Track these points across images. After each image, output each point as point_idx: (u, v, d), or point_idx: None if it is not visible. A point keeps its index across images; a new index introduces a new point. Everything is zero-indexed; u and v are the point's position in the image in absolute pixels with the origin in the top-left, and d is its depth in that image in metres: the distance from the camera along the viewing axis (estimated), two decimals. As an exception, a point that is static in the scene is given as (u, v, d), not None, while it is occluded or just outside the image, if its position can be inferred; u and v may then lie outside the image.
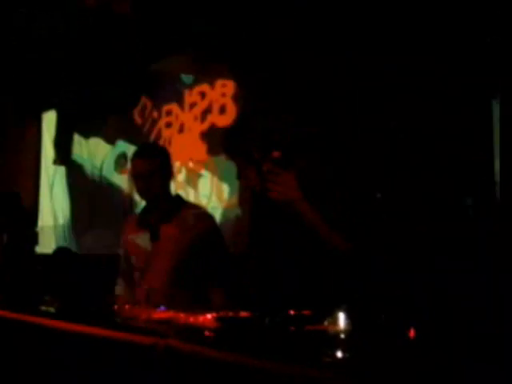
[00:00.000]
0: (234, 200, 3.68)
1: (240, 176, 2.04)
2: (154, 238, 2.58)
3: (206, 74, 3.80)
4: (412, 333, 1.45)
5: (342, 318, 1.57)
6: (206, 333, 1.42)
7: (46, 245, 4.87)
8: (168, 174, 2.62)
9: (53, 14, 3.90)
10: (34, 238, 3.84)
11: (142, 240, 2.62)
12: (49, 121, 5.26)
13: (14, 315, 1.79)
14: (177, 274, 2.49)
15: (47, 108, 5.21)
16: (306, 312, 1.67)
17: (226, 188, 3.75)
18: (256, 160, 1.93)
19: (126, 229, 2.73)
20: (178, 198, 2.73)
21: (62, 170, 5.13)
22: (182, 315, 1.87)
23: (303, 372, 1.12)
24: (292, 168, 1.89)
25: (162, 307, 2.17)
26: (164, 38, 3.61)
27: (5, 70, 4.46)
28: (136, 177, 2.60)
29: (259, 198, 2.13)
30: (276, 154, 1.87)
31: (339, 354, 1.28)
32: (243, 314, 1.70)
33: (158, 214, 2.61)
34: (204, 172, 3.91)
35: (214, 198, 3.83)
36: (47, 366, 1.50)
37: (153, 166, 2.55)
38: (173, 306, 2.24)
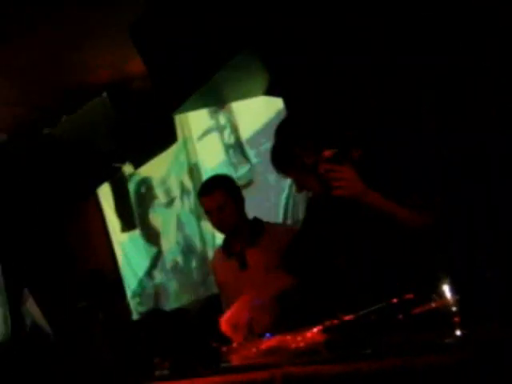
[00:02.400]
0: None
1: (300, 188, 2.00)
2: (242, 265, 2.53)
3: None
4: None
5: (447, 290, 1.51)
6: (319, 349, 1.39)
7: (143, 308, 5.00)
8: (238, 201, 2.55)
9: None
10: (126, 309, 3.94)
11: (231, 269, 2.57)
12: (105, 193, 5.42)
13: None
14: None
15: (101, 183, 5.38)
16: (408, 296, 1.62)
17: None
18: (310, 166, 1.90)
19: (214, 264, 2.70)
20: (257, 220, 2.64)
21: (131, 234, 5.27)
22: (289, 337, 1.85)
23: (427, 361, 1.07)
24: (348, 161, 1.85)
25: (268, 334, 2.15)
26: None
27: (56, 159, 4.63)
28: (207, 213, 2.56)
29: (320, 203, 2.09)
30: (327, 152, 1.84)
31: (458, 332, 1.22)
32: (347, 317, 1.66)
33: (241, 240, 2.55)
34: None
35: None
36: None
37: (218, 200, 2.50)
38: (277, 328, 2.17)
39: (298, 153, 1.91)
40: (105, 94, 4.10)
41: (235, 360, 1.74)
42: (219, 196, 2.51)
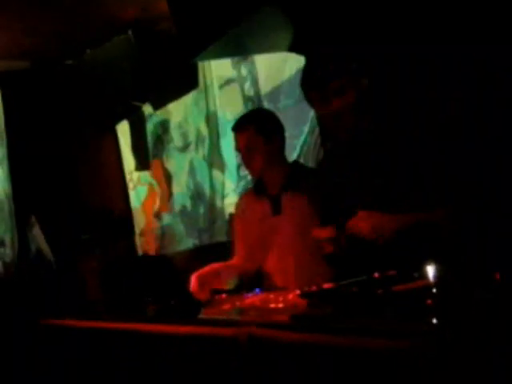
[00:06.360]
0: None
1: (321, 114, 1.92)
2: (276, 210, 2.31)
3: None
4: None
5: (430, 272, 1.51)
6: (288, 315, 1.41)
7: (149, 247, 5.11)
8: (272, 142, 2.29)
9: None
10: (131, 247, 4.00)
11: (262, 213, 2.36)
12: (123, 131, 5.45)
13: (111, 324, 1.87)
14: (307, 245, 2.15)
15: (120, 120, 5.40)
16: (391, 273, 1.62)
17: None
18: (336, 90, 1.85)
19: (240, 207, 2.49)
20: (297, 164, 2.44)
21: (143, 174, 5.32)
22: (271, 296, 1.88)
23: (392, 346, 1.08)
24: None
25: (257, 290, 2.19)
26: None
27: (77, 91, 4.66)
28: (237, 151, 2.37)
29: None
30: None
31: (433, 320, 1.22)
32: (326, 285, 1.68)
33: (276, 184, 2.34)
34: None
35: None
36: (138, 370, 1.56)
37: (248, 138, 2.28)
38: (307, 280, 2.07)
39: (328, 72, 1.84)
40: (130, 32, 4.07)
41: (212, 312, 1.78)
42: (250, 135, 2.28)
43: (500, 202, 1.88)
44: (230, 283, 2.36)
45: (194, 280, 2.10)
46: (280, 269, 2.32)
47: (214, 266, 2.26)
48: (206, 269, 2.19)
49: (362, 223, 1.79)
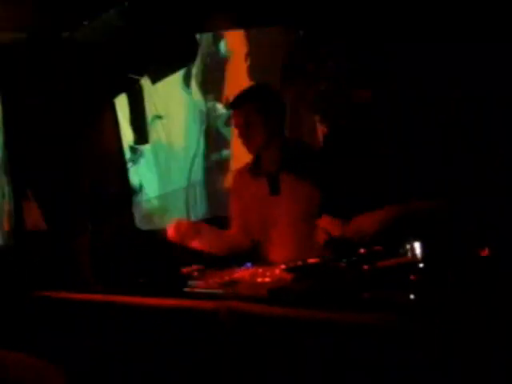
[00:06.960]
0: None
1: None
2: (274, 190, 2.27)
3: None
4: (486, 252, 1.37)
5: (415, 247, 1.52)
6: (268, 290, 1.42)
7: (144, 221, 5.12)
8: (271, 118, 2.23)
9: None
10: (126, 223, 4.00)
11: (258, 192, 2.31)
12: (121, 105, 5.42)
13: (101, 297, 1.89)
14: (304, 226, 2.18)
15: (118, 93, 5.36)
16: (377, 248, 1.63)
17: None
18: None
19: (235, 184, 2.44)
20: (296, 142, 2.38)
21: (144, 148, 5.30)
22: (260, 271, 1.89)
23: (373, 320, 1.08)
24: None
25: (248, 264, 2.19)
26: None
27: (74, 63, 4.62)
28: (236, 127, 2.29)
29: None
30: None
31: (412, 296, 1.23)
32: (311, 260, 1.68)
33: (273, 162, 2.27)
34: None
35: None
36: (123, 342, 1.57)
37: (246, 115, 2.22)
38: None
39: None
40: (127, 4, 4.01)
41: (198, 285, 1.79)
42: (247, 111, 2.22)
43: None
44: (216, 249, 2.35)
45: (170, 230, 2.13)
46: (277, 247, 2.30)
47: (199, 223, 2.25)
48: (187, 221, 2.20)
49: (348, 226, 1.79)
